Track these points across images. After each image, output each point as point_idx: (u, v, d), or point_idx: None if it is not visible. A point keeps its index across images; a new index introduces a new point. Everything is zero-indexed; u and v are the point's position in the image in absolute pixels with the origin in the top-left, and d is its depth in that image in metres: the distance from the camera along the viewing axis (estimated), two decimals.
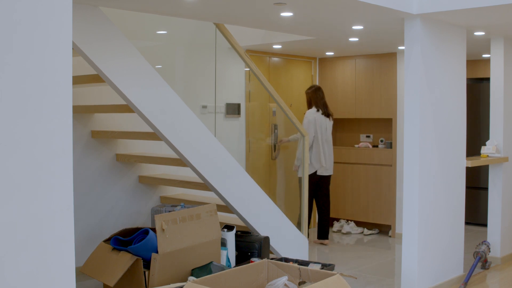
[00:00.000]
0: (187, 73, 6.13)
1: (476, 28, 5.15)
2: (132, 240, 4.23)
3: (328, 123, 6.58)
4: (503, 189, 5.67)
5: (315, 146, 6.45)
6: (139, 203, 5.63)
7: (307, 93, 6.69)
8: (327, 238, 6.64)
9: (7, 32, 2.13)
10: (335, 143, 7.89)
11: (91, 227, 5.23)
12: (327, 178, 6.63)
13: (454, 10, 4.27)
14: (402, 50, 6.70)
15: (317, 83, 7.70)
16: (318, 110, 6.54)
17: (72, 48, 2.60)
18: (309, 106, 6.65)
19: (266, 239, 4.73)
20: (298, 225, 5.44)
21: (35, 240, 2.21)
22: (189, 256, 4.07)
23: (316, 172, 6.49)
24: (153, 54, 5.49)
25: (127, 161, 5.44)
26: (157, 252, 3.91)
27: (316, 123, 6.45)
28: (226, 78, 6.53)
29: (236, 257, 4.63)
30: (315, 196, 6.60)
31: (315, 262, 4.34)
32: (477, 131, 7.47)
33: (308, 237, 5.54)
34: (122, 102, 4.70)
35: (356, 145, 7.46)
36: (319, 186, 6.58)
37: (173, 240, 3.97)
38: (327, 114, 6.57)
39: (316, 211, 6.82)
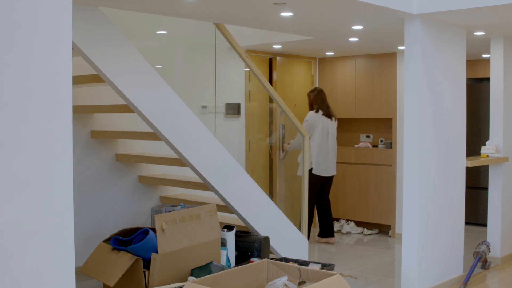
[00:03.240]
0: (187, 73, 6.13)
1: (476, 28, 5.15)
2: (132, 240, 4.23)
3: (331, 124, 6.56)
4: (503, 189, 5.67)
5: (317, 147, 6.43)
6: (139, 203, 5.63)
7: (309, 95, 6.68)
8: (333, 236, 6.66)
9: (7, 32, 2.13)
10: None
11: (91, 227, 5.23)
12: (330, 179, 6.64)
13: (454, 10, 4.27)
14: (402, 50, 6.70)
15: (317, 83, 7.70)
16: (317, 111, 6.52)
17: (72, 48, 2.60)
18: (311, 108, 6.65)
19: (266, 239, 4.73)
20: (299, 225, 5.43)
21: (35, 240, 2.21)
22: (189, 256, 4.07)
23: (319, 173, 6.48)
24: (153, 54, 5.49)
25: (127, 161, 5.44)
26: (157, 252, 3.91)
27: (316, 125, 6.44)
28: (226, 78, 6.53)
29: (236, 257, 4.63)
30: (318, 196, 6.59)
31: (315, 262, 4.34)
32: (477, 131, 7.46)
33: (308, 238, 5.53)
34: (122, 102, 4.70)
35: (356, 145, 7.46)
36: (323, 186, 6.58)
37: (173, 240, 3.97)
38: (329, 115, 6.55)
39: (316, 210, 6.82)
